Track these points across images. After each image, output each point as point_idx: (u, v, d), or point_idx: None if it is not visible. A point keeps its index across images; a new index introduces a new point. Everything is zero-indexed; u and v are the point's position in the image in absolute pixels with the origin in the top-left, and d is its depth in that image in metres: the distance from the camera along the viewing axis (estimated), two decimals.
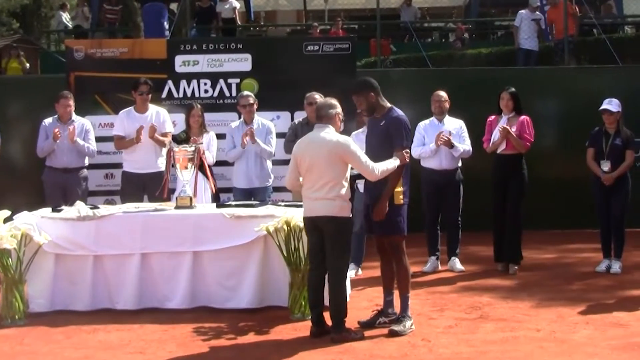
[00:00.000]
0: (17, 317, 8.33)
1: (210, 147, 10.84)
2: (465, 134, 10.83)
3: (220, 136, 11.17)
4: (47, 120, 11.14)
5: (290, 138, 10.73)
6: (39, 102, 12.84)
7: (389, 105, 8.10)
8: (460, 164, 10.84)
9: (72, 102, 11.09)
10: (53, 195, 10.73)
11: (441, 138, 10.51)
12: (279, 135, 11.10)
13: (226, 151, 10.95)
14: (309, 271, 7.97)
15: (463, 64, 18.70)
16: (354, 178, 8.35)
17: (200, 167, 10.22)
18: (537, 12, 18.32)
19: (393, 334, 7.71)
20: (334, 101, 8.04)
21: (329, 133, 7.78)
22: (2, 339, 7.80)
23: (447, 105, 10.82)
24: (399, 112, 8.04)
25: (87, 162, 11.27)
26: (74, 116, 11.18)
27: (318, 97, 10.59)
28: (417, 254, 11.07)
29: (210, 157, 10.76)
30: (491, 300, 9.10)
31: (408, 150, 8.00)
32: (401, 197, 7.91)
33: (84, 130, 11.16)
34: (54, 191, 10.91)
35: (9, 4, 29.72)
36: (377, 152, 7.96)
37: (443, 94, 10.85)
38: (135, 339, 7.73)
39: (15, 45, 23.21)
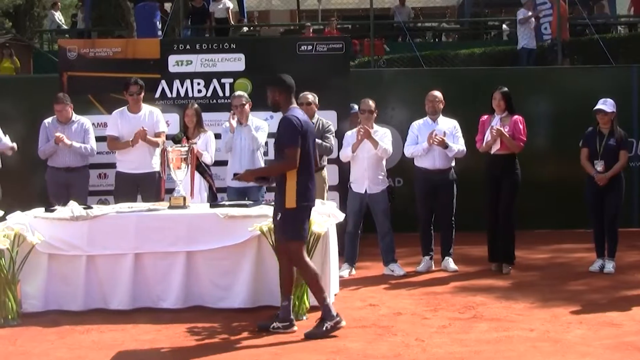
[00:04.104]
0: (10, 317, 8.31)
1: (208, 147, 10.82)
2: (459, 134, 10.82)
3: (216, 136, 11.15)
4: (47, 121, 11.14)
5: None
6: (32, 102, 12.85)
7: (292, 106, 7.96)
8: (453, 164, 10.83)
9: (67, 106, 11.04)
10: (57, 194, 10.65)
11: (435, 138, 10.51)
12: (273, 135, 11.07)
13: (221, 150, 10.92)
14: None
15: (456, 64, 18.73)
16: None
17: (198, 167, 10.25)
18: (531, 12, 18.37)
19: (307, 336, 7.66)
20: None
21: None
22: None
23: (441, 105, 10.82)
24: (294, 112, 7.87)
25: (89, 160, 11.29)
26: (75, 116, 11.18)
27: (311, 97, 10.62)
28: (410, 254, 11.12)
29: (208, 157, 10.74)
30: (485, 300, 9.10)
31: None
32: (294, 200, 7.73)
33: (84, 129, 11.13)
34: (58, 190, 10.87)
35: (1, 4, 29.71)
36: (275, 152, 8.05)
37: (438, 94, 10.85)
38: (129, 339, 7.72)
39: (7, 45, 23.19)
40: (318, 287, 7.87)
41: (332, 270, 8.96)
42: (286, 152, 7.72)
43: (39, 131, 11.12)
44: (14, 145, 11.19)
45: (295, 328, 7.90)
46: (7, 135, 11.25)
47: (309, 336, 7.67)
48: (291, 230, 7.80)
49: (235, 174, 8.68)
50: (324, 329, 7.71)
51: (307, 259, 7.92)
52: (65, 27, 24.49)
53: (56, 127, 10.97)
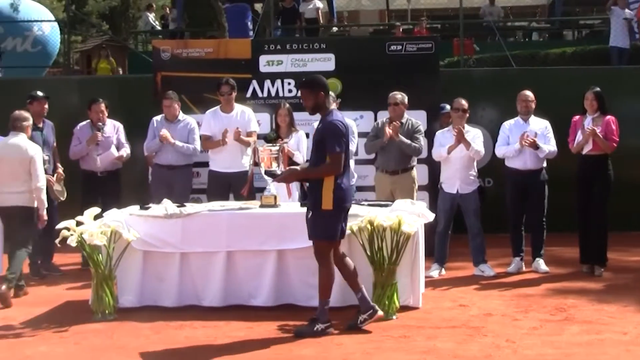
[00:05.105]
0: (107, 312, 8.50)
1: (299, 146, 10.87)
2: (551, 134, 10.73)
3: (307, 136, 11.21)
4: (156, 118, 11.38)
5: (370, 138, 10.80)
6: (127, 101, 13.09)
7: (331, 108, 8.01)
8: (545, 164, 10.74)
9: (174, 102, 11.27)
10: (159, 192, 10.81)
11: (526, 140, 10.44)
12: (363, 134, 11.13)
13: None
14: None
15: (547, 64, 18.53)
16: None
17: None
18: (627, 10, 18.09)
19: (296, 334, 7.79)
20: (26, 114, 9.95)
21: (23, 141, 9.71)
22: (93, 333, 7.98)
23: (533, 105, 10.73)
24: (337, 116, 7.92)
25: (193, 159, 11.49)
26: (182, 115, 11.39)
27: (399, 97, 10.63)
28: (501, 255, 11.05)
29: (300, 157, 10.78)
30: (576, 302, 9.01)
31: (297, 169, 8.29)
32: (330, 202, 7.75)
33: (189, 129, 11.33)
34: (160, 188, 11.08)
35: (98, 6, 30.33)
36: (313, 155, 8.01)
37: (530, 93, 10.77)
38: (221, 336, 7.83)
39: (104, 46, 23.67)
40: (327, 291, 7.93)
41: (420, 270, 8.97)
42: (331, 157, 7.75)
43: (145, 129, 11.40)
44: (122, 154, 11.46)
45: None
46: (125, 145, 11.57)
47: (297, 334, 7.79)
48: (322, 230, 7.84)
49: (274, 175, 8.74)
50: (315, 329, 7.78)
51: (332, 260, 7.94)
52: (158, 28, 24.85)
53: (163, 125, 11.20)
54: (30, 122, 10.03)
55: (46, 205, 9.85)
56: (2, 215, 9.83)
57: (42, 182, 9.74)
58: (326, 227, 7.82)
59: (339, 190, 7.78)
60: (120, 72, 21.97)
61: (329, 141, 7.78)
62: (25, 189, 9.65)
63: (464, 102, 10.59)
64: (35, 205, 9.71)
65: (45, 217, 9.80)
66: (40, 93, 11.22)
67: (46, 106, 11.15)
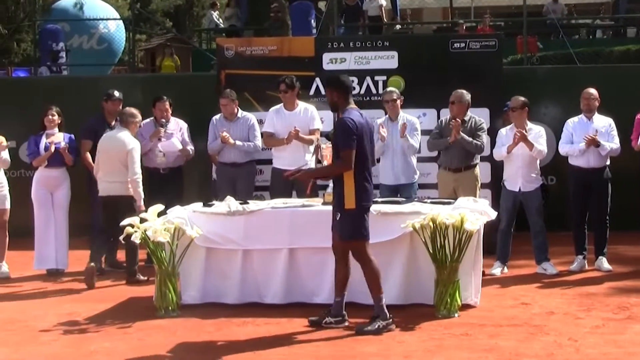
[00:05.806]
0: (170, 308, 8.58)
1: None
2: (614, 132, 10.62)
3: None
4: (215, 118, 11.47)
5: (434, 135, 10.79)
6: (191, 99, 13.23)
7: (349, 107, 7.97)
8: (608, 162, 10.64)
9: (232, 99, 11.31)
10: (223, 189, 10.92)
11: (586, 137, 10.36)
12: (426, 132, 11.12)
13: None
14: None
15: (611, 61, 18.35)
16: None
17: None
18: None
19: (358, 331, 7.80)
20: (135, 111, 10.50)
21: (125, 135, 10.31)
22: (156, 330, 8.09)
23: (596, 103, 10.63)
24: (351, 114, 7.88)
25: (257, 156, 11.56)
26: (240, 112, 11.43)
27: (459, 94, 10.59)
28: (563, 253, 10.98)
29: None
30: None
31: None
32: (352, 201, 7.77)
33: (248, 125, 11.38)
34: (225, 185, 11.19)
35: (163, 4, 30.67)
36: (333, 153, 8.10)
37: (593, 91, 10.67)
38: (283, 333, 7.88)
39: (168, 44, 23.93)
40: (377, 286, 7.98)
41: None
42: (341, 154, 7.80)
43: (208, 127, 11.50)
44: (186, 148, 11.52)
45: (346, 323, 8.04)
46: (189, 144, 11.63)
47: (359, 331, 7.80)
48: (351, 230, 7.88)
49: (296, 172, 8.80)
50: (377, 327, 7.80)
51: (372, 256, 7.99)
52: (222, 26, 25.08)
53: (223, 124, 11.28)
54: (138, 119, 10.54)
55: (142, 196, 10.26)
56: (102, 204, 10.55)
57: (137, 175, 10.24)
58: (354, 227, 7.88)
59: (360, 189, 7.83)
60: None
61: (338, 139, 7.85)
62: (122, 180, 10.29)
63: (521, 99, 10.48)
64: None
65: (142, 208, 9.93)
66: (117, 93, 11.39)
67: (120, 107, 11.26)
